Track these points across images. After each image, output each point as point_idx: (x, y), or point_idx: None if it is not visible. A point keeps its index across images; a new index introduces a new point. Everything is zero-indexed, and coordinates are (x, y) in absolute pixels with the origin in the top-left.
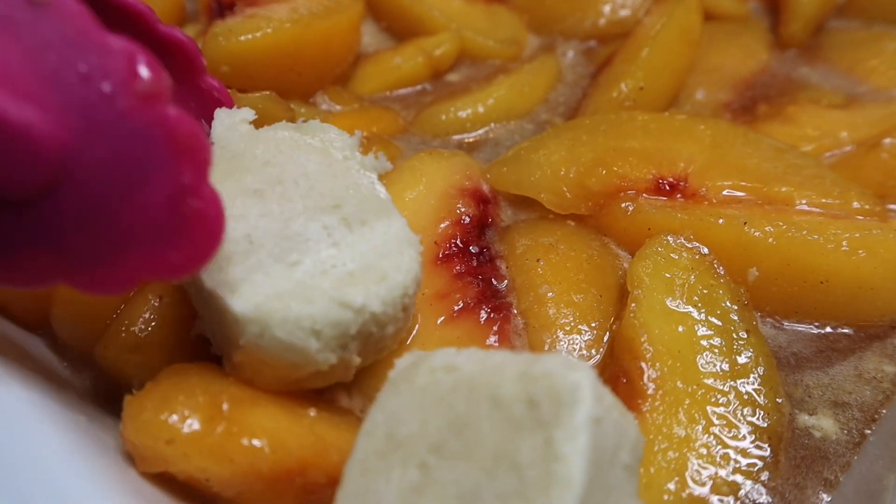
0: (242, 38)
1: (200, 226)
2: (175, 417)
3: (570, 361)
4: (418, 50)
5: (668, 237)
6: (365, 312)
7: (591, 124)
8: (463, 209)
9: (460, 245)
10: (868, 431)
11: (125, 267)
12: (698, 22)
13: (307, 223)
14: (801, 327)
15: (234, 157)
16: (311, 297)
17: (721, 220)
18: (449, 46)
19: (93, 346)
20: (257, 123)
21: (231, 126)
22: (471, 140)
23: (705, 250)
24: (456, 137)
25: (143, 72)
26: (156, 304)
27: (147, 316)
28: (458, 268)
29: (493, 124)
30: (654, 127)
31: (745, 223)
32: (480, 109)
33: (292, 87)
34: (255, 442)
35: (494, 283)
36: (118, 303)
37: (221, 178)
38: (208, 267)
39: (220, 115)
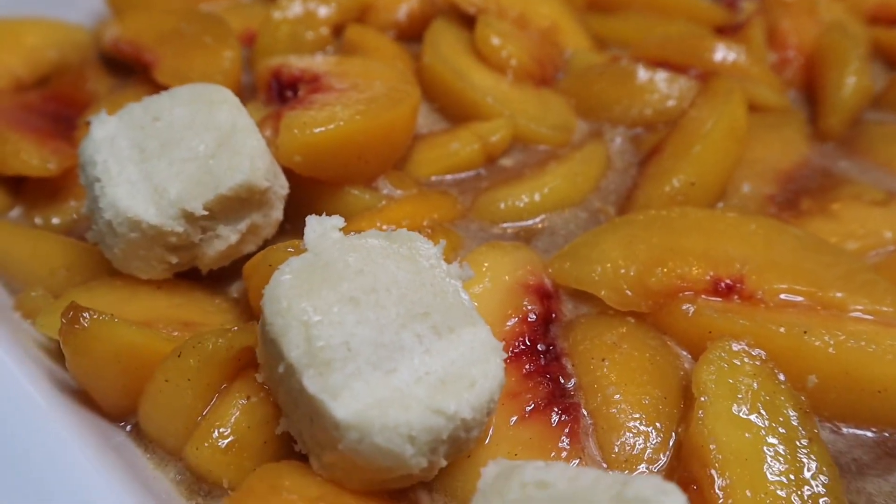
0: (316, 130)
1: None
2: None
3: (664, 486)
4: (474, 136)
5: (732, 343)
6: (456, 419)
7: (646, 220)
8: (529, 306)
9: (528, 343)
10: None
11: None
12: (746, 118)
13: (400, 331)
14: (860, 432)
15: (328, 265)
16: (407, 405)
17: (782, 329)
18: (504, 133)
19: (180, 444)
20: None
21: (323, 233)
22: (527, 227)
23: (764, 356)
24: (512, 225)
25: None
26: (243, 402)
27: (236, 416)
28: (527, 367)
29: (548, 213)
30: (708, 225)
31: (805, 332)
32: (537, 198)
33: (357, 173)
34: None
35: (562, 381)
36: (206, 402)
37: (319, 285)
38: (309, 372)
39: (312, 222)
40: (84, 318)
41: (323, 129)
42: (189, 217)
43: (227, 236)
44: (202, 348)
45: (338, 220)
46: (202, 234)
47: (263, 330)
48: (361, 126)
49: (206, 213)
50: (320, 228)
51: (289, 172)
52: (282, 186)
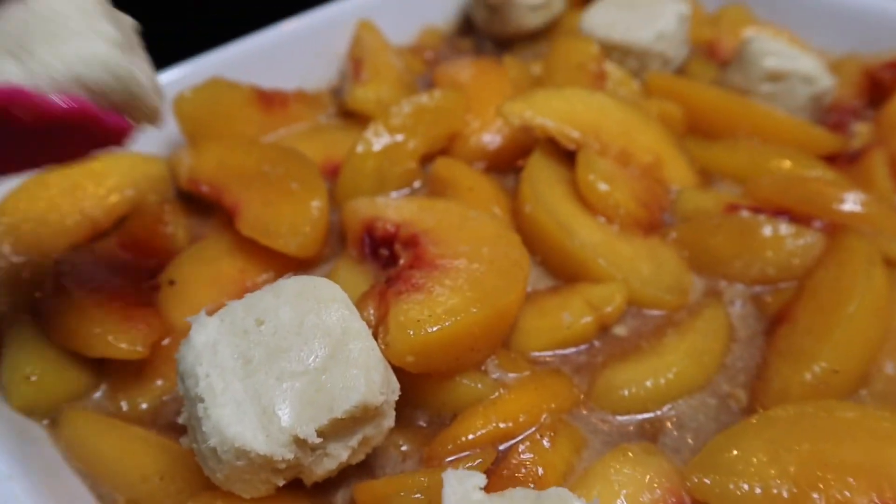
0: (431, 329)
1: None
2: None
3: None
4: (587, 305)
5: None
6: None
7: (790, 422)
8: None
9: None
10: None
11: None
12: (889, 288)
13: None
14: None
15: None
16: None
17: None
18: (619, 302)
19: None
20: None
21: (464, 495)
22: (652, 420)
23: None
24: (636, 417)
25: None
26: None
27: None
28: None
29: (674, 400)
30: (862, 430)
31: None
32: (662, 382)
33: (468, 361)
34: None
35: None
36: None
37: None
38: None
39: (451, 480)
40: None
41: (438, 327)
42: (301, 443)
43: (339, 454)
44: None
45: (479, 479)
46: (312, 454)
47: None
48: (477, 318)
49: (319, 439)
50: (461, 489)
51: (396, 367)
52: (394, 392)
